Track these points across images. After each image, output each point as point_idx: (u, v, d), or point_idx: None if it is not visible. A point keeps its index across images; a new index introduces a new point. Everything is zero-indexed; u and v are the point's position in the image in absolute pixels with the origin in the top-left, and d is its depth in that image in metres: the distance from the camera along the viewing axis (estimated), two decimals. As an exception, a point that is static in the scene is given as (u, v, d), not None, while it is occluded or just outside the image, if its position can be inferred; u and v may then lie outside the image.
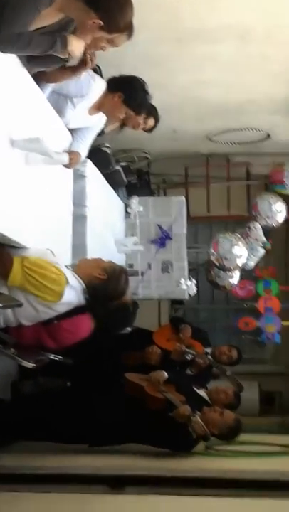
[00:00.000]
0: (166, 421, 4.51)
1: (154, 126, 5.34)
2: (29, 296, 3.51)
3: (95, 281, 3.75)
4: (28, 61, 3.34)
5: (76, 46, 3.26)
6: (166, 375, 4.92)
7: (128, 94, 4.43)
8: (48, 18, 3.10)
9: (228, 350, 6.06)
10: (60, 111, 4.18)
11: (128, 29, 3.35)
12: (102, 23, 3.14)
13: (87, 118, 4.42)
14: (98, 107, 4.42)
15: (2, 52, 2.99)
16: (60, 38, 3.17)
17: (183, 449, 4.67)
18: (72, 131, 4.42)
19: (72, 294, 3.65)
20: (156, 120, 5.30)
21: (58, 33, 3.21)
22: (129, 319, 5.04)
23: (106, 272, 3.81)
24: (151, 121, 5.26)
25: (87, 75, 4.08)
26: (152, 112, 5.19)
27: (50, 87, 3.97)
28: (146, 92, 4.61)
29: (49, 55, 3.20)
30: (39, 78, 3.70)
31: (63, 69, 3.69)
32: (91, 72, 4.07)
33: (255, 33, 4.99)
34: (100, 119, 4.57)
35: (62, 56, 3.25)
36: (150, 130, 5.37)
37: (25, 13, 2.93)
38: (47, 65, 3.50)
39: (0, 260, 3.42)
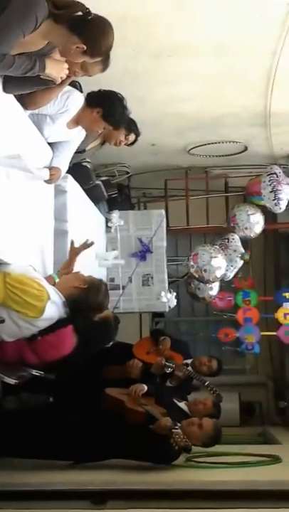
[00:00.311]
0: (147, 434, 4.53)
1: (136, 140, 5.38)
2: (11, 312, 3.52)
3: (76, 292, 3.79)
4: (4, 85, 3.37)
5: (54, 69, 3.32)
6: (145, 387, 4.94)
7: (107, 109, 4.46)
8: (32, 44, 3.16)
9: (208, 361, 6.09)
10: (38, 126, 4.20)
11: (107, 54, 3.42)
12: (85, 48, 3.21)
13: (66, 132, 4.44)
14: (77, 121, 4.44)
15: None
16: (40, 60, 3.23)
17: (165, 461, 4.69)
18: (52, 146, 4.45)
19: (54, 309, 3.67)
20: (137, 135, 5.34)
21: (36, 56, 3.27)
22: (111, 334, 5.04)
23: (86, 283, 3.86)
24: (131, 137, 5.30)
25: (63, 92, 4.10)
26: (132, 127, 5.23)
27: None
28: (124, 107, 4.65)
29: (26, 77, 3.25)
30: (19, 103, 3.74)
31: (41, 91, 3.73)
32: (67, 88, 4.10)
33: (231, 46, 5.02)
34: (78, 133, 4.59)
35: (42, 76, 3.32)
36: (131, 144, 5.41)
37: (11, 35, 2.99)
38: (23, 88, 3.54)
39: None
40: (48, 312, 3.60)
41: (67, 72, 3.45)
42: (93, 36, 3.26)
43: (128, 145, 5.38)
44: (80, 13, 3.20)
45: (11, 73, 3.16)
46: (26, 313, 3.54)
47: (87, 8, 3.21)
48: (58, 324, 3.77)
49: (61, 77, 3.47)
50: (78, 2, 3.21)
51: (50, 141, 4.40)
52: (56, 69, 3.37)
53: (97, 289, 3.92)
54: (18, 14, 2.99)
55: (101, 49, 3.33)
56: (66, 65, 3.41)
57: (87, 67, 3.52)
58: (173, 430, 4.43)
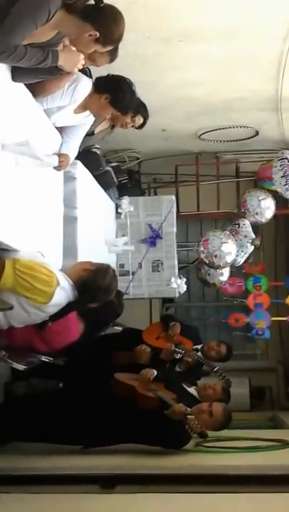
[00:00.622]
0: (160, 419, 4.55)
1: (144, 123, 5.36)
2: (21, 298, 3.54)
3: (84, 275, 3.81)
4: (13, 73, 3.38)
5: (68, 61, 3.34)
6: (155, 372, 4.96)
7: (115, 95, 4.43)
8: (42, 35, 3.18)
9: (216, 346, 6.10)
10: (46, 113, 4.19)
11: (119, 43, 3.43)
12: (98, 35, 3.23)
13: (74, 116, 4.42)
14: (84, 106, 4.41)
15: None
16: (52, 52, 3.24)
17: (177, 446, 4.71)
18: (61, 131, 4.44)
19: (62, 295, 3.69)
20: (145, 117, 5.32)
21: (49, 48, 3.28)
22: (116, 311, 5.03)
23: (94, 265, 3.89)
24: (139, 119, 5.28)
25: (71, 80, 4.08)
26: (140, 109, 5.21)
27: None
28: (133, 93, 4.62)
29: (37, 68, 3.26)
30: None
31: (50, 80, 3.73)
32: (75, 75, 4.08)
33: (242, 31, 5.00)
34: (86, 118, 4.57)
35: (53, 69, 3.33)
36: (140, 127, 5.39)
37: (23, 26, 3.03)
38: (32, 77, 3.54)
39: None
40: (56, 298, 3.62)
41: (83, 63, 3.46)
42: (106, 24, 3.30)
43: (137, 128, 5.36)
44: (92, 1, 3.21)
45: (22, 64, 3.17)
46: (36, 299, 3.56)
47: None
48: (64, 310, 3.78)
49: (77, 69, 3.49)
50: None
51: (58, 125, 4.38)
52: (70, 61, 3.39)
53: (105, 271, 3.95)
54: (32, 6, 3.02)
55: (113, 37, 3.37)
56: (82, 56, 3.42)
57: (96, 57, 3.54)
58: (187, 416, 4.45)
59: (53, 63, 3.32)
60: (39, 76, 3.55)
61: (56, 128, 4.36)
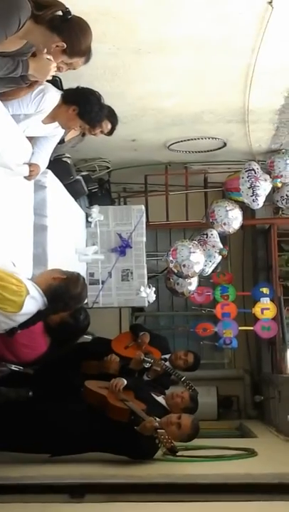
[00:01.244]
0: (130, 431, 4.55)
1: (113, 129, 5.37)
2: None
3: (55, 283, 3.80)
4: None
5: (38, 70, 3.34)
6: (125, 382, 4.97)
7: (83, 107, 4.45)
8: (10, 44, 3.18)
9: (183, 355, 6.15)
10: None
11: (88, 53, 3.44)
12: (65, 46, 3.24)
13: (42, 127, 4.44)
14: (53, 117, 4.42)
15: None
16: (22, 62, 3.25)
17: (144, 457, 4.73)
18: (32, 142, 4.45)
19: (33, 304, 3.68)
20: (113, 123, 5.33)
21: (18, 57, 3.29)
22: (83, 325, 5.03)
23: (65, 274, 3.89)
24: (107, 125, 5.27)
25: (38, 90, 4.10)
26: (108, 115, 5.22)
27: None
28: (101, 106, 4.64)
29: (6, 77, 3.27)
30: None
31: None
32: (42, 86, 4.09)
33: (211, 43, 5.05)
34: (56, 129, 4.59)
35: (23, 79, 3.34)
36: (109, 133, 5.39)
37: None
38: (6, 87, 3.55)
39: None
40: (26, 307, 3.61)
41: (54, 71, 3.47)
42: (73, 35, 3.30)
43: (106, 134, 5.37)
44: (60, 12, 3.23)
45: None
46: (5, 308, 3.55)
47: (67, 8, 3.25)
48: (34, 318, 3.77)
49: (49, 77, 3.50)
50: (58, 1, 3.24)
51: (28, 134, 4.38)
52: (41, 70, 3.39)
53: (76, 279, 3.95)
54: (2, 16, 3.01)
55: (80, 48, 3.37)
56: (53, 65, 3.42)
57: (72, 63, 3.53)
58: (158, 430, 4.45)
59: (24, 72, 3.33)
60: (8, 85, 3.56)
61: (27, 137, 4.37)
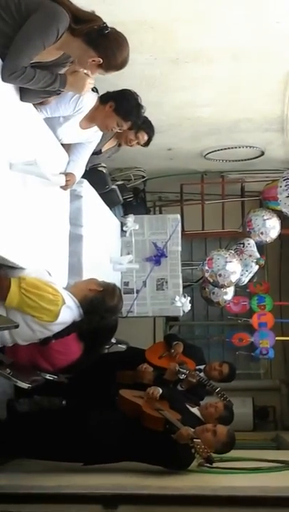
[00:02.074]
0: (166, 440, 4.53)
1: (149, 140, 5.36)
2: (26, 316, 3.54)
3: (91, 295, 3.80)
4: (21, 94, 3.40)
5: (75, 85, 3.36)
6: (160, 390, 4.95)
7: (119, 102, 4.46)
8: (48, 54, 3.20)
9: (218, 366, 6.09)
10: (51, 127, 4.21)
11: (124, 66, 3.44)
12: (101, 61, 3.25)
13: (80, 132, 4.45)
14: (90, 119, 4.42)
15: (5, 80, 3.08)
16: (60, 76, 3.27)
17: (180, 467, 4.69)
18: (67, 150, 4.46)
19: (68, 313, 3.69)
20: (149, 134, 5.33)
21: (55, 67, 3.31)
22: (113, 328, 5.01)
23: (101, 286, 3.88)
24: (143, 136, 5.28)
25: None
26: (143, 125, 5.21)
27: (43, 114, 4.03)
28: (137, 102, 4.62)
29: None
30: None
31: None
32: None
33: (248, 52, 5.05)
34: (94, 133, 4.59)
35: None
36: (145, 144, 5.40)
37: (32, 47, 3.05)
38: (40, 98, 3.57)
39: None
40: (62, 316, 3.63)
41: (91, 87, 3.48)
42: (109, 50, 3.29)
43: (142, 145, 5.38)
44: (97, 26, 3.23)
45: (30, 86, 3.20)
46: (41, 317, 3.57)
47: (104, 22, 3.25)
48: (68, 329, 3.78)
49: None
50: (96, 16, 3.24)
51: (65, 142, 4.39)
52: (78, 85, 3.41)
53: (112, 291, 3.94)
54: (41, 27, 3.03)
55: (116, 63, 3.37)
56: (90, 80, 3.43)
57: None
58: (194, 440, 4.42)
59: (61, 87, 3.34)
60: (45, 95, 3.58)
61: (63, 145, 4.38)
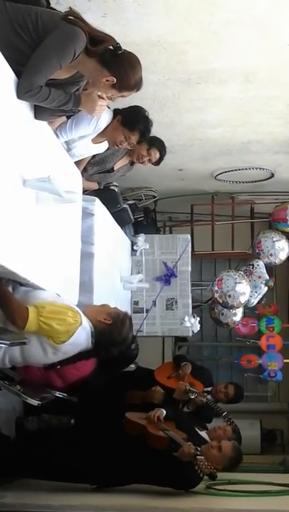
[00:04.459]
0: (170, 459, 4.50)
1: (161, 158, 5.41)
2: (42, 337, 3.50)
3: (99, 327, 3.76)
4: (36, 112, 3.43)
5: (88, 106, 3.38)
6: (164, 412, 4.92)
7: (126, 115, 4.52)
8: (62, 72, 3.23)
9: (224, 388, 6.06)
10: (68, 142, 4.26)
11: (137, 86, 3.47)
12: (114, 81, 3.27)
13: (93, 147, 4.52)
14: (101, 135, 4.53)
15: (20, 98, 3.10)
16: (75, 96, 3.29)
17: (187, 487, 4.65)
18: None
19: (83, 336, 3.62)
20: (161, 152, 5.37)
21: (69, 85, 3.34)
22: (131, 357, 5.01)
23: (111, 317, 3.82)
24: (155, 153, 5.33)
25: None
26: (156, 143, 5.28)
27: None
28: (145, 115, 4.69)
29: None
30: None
31: None
32: None
33: (260, 74, 5.08)
34: (102, 145, 4.70)
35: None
36: (157, 163, 5.44)
37: (48, 67, 3.07)
38: (54, 116, 3.60)
39: (17, 313, 3.42)
40: (77, 336, 3.55)
41: (103, 110, 3.50)
42: (122, 70, 3.32)
43: (154, 164, 5.41)
44: (110, 47, 3.26)
45: (45, 104, 3.22)
46: (59, 337, 3.51)
47: (118, 43, 3.28)
48: (81, 355, 3.73)
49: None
50: (110, 36, 3.27)
51: (77, 158, 4.46)
52: (90, 106, 3.43)
53: (121, 323, 3.86)
54: (59, 47, 3.06)
55: (130, 83, 3.39)
56: (103, 103, 3.45)
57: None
58: (197, 457, 4.40)
59: (75, 107, 3.36)
60: (59, 114, 3.61)
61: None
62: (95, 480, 4.62)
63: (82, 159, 4.77)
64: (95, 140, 4.50)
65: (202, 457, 4.40)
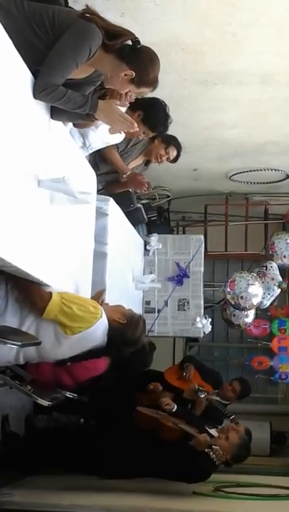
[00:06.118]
0: (184, 450, 4.53)
1: (178, 156, 5.40)
2: (58, 329, 3.48)
3: (113, 325, 3.75)
4: (52, 112, 3.41)
5: (105, 113, 3.34)
6: (175, 406, 4.97)
7: (147, 112, 4.47)
8: (79, 72, 3.20)
9: (229, 385, 6.10)
10: (83, 133, 4.23)
11: (155, 83, 3.44)
12: (133, 75, 3.24)
13: (108, 137, 4.47)
14: None
15: (36, 97, 3.08)
16: (92, 100, 3.26)
17: (200, 477, 4.66)
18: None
19: (101, 329, 3.60)
20: (178, 149, 5.36)
21: (86, 85, 3.32)
22: (146, 361, 5.03)
23: (125, 317, 3.81)
24: (173, 151, 5.33)
25: None
26: (173, 141, 5.27)
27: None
28: (166, 114, 4.65)
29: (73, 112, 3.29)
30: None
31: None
32: None
33: (278, 76, 5.07)
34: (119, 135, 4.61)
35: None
36: (174, 160, 5.43)
37: (65, 66, 3.04)
38: (71, 120, 3.58)
39: (38, 293, 3.41)
40: (95, 328, 3.53)
41: (119, 123, 3.44)
42: (141, 64, 3.28)
43: (171, 161, 5.40)
44: (129, 42, 3.24)
45: (60, 105, 3.19)
46: (78, 326, 3.48)
47: (136, 38, 3.26)
48: (95, 353, 3.73)
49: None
50: (128, 31, 3.25)
51: (93, 149, 4.44)
52: (107, 115, 3.38)
53: (135, 324, 3.85)
54: (74, 45, 3.03)
55: (148, 78, 3.35)
56: (121, 114, 3.38)
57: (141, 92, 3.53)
58: (212, 446, 4.48)
59: (91, 111, 3.29)
60: (75, 118, 3.58)
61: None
62: (104, 471, 4.64)
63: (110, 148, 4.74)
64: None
65: (217, 446, 4.46)
